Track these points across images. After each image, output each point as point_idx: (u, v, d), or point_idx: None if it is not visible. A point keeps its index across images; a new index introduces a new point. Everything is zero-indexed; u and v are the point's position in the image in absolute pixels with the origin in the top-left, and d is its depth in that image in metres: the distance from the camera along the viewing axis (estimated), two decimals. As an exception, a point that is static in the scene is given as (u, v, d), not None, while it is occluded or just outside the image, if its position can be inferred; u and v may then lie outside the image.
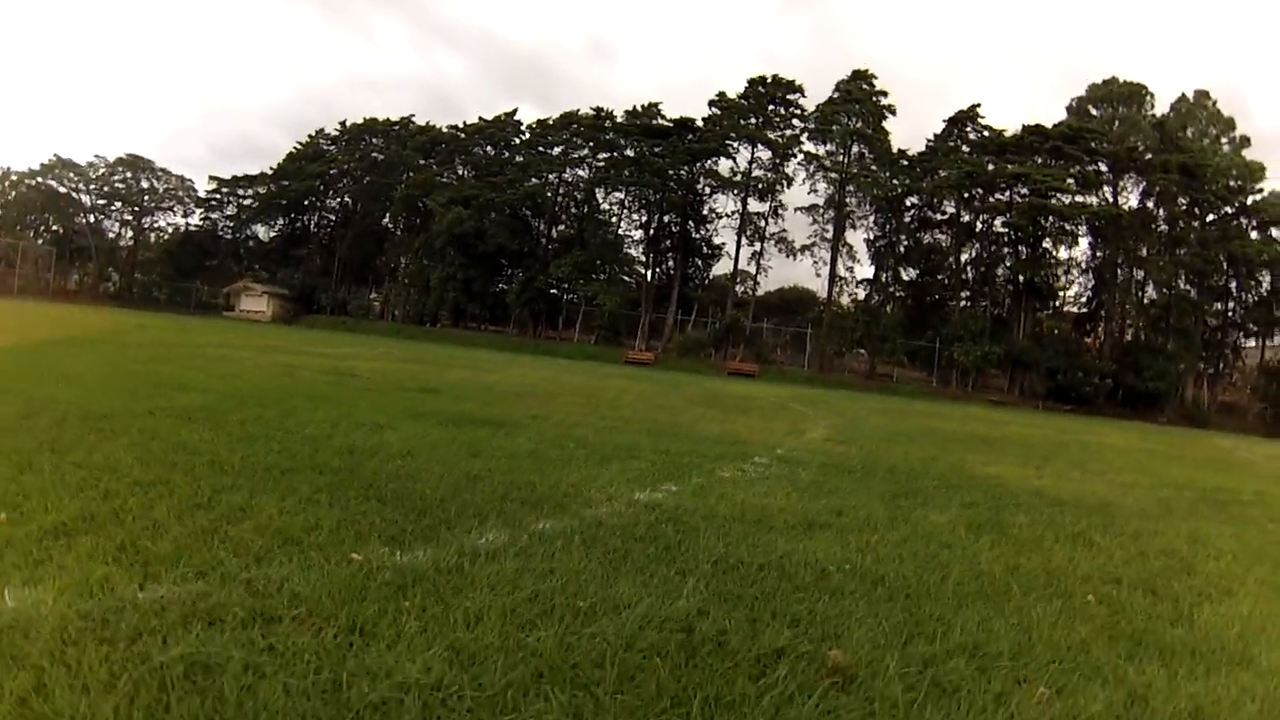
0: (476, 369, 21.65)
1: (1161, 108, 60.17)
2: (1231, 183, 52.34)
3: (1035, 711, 2.50)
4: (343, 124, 72.51)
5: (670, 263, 62.37)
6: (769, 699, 2.39)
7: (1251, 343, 56.00)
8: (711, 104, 59.46)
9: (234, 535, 3.49)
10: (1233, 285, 54.01)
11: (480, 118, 67.22)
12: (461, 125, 68.13)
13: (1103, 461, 12.62)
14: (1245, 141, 58.64)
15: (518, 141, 66.11)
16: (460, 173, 67.52)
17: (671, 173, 57.81)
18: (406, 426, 7.61)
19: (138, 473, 4.52)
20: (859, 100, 55.95)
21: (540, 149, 64.02)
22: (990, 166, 52.16)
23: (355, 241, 69.38)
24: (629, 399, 15.17)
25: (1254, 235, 52.13)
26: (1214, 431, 43.23)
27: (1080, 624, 3.47)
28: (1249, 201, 52.68)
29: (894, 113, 57.15)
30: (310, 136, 74.76)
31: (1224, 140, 59.02)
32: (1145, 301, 55.40)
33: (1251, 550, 5.82)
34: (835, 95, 56.63)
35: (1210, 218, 53.29)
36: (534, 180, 62.36)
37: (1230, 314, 55.03)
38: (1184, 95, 60.58)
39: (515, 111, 66.86)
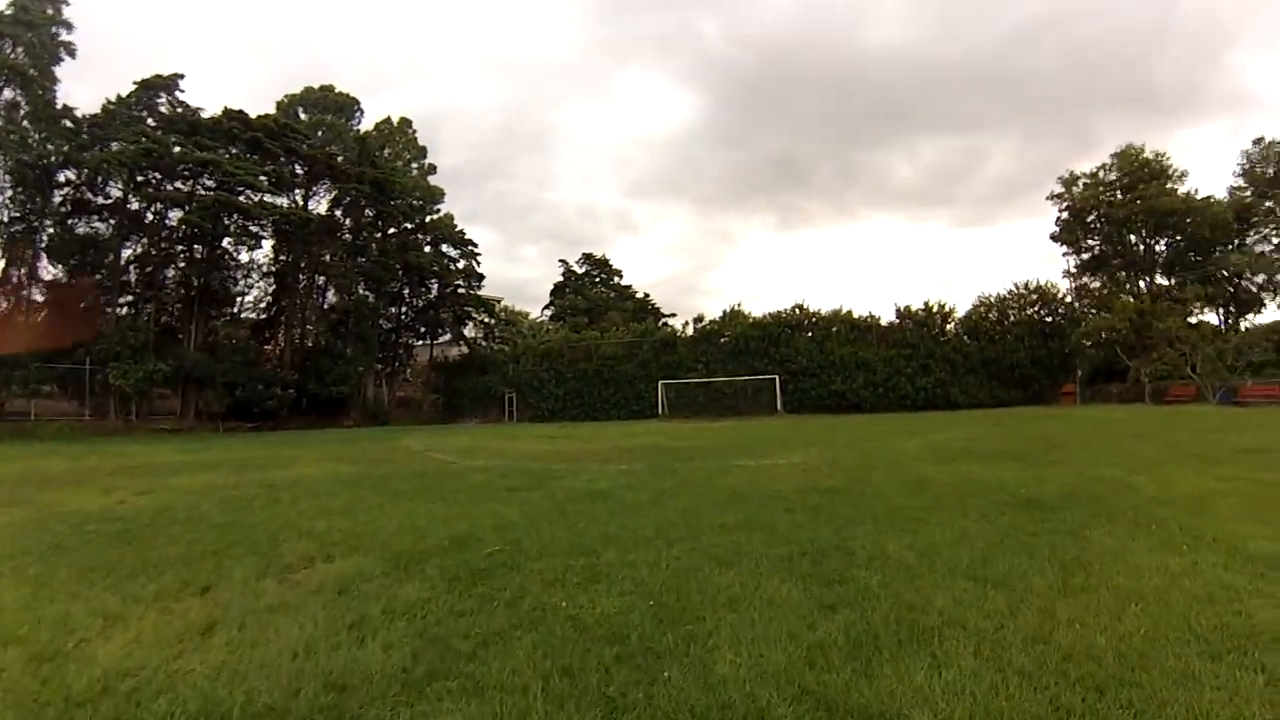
0: None
1: (368, 124, 61.96)
2: (415, 201, 56.60)
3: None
4: None
5: None
6: None
7: (421, 342, 59.95)
8: None
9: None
10: (406, 291, 56.83)
11: None
12: None
13: (311, 533, 7.36)
14: (432, 169, 66.09)
15: None
16: None
17: None
18: None
19: None
20: (36, 25, 38.89)
21: None
22: (177, 148, 42.02)
23: None
24: None
25: (427, 249, 56.69)
26: (395, 427, 42.67)
27: None
28: (427, 220, 57.87)
29: (74, 54, 40.97)
30: None
31: (415, 165, 64.49)
32: (326, 307, 53.52)
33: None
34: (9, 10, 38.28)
35: (392, 230, 55.09)
36: None
37: (404, 317, 57.89)
38: (389, 118, 64.22)
39: None
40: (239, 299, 50.44)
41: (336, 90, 60.75)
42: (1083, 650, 3.67)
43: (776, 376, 46.60)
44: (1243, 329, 49.13)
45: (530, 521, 7.56)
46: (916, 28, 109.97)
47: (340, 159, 52.72)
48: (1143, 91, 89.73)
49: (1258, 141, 53.86)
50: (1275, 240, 51.13)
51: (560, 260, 76.72)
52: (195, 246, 45.36)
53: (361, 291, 52.25)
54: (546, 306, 75.20)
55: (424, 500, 9.39)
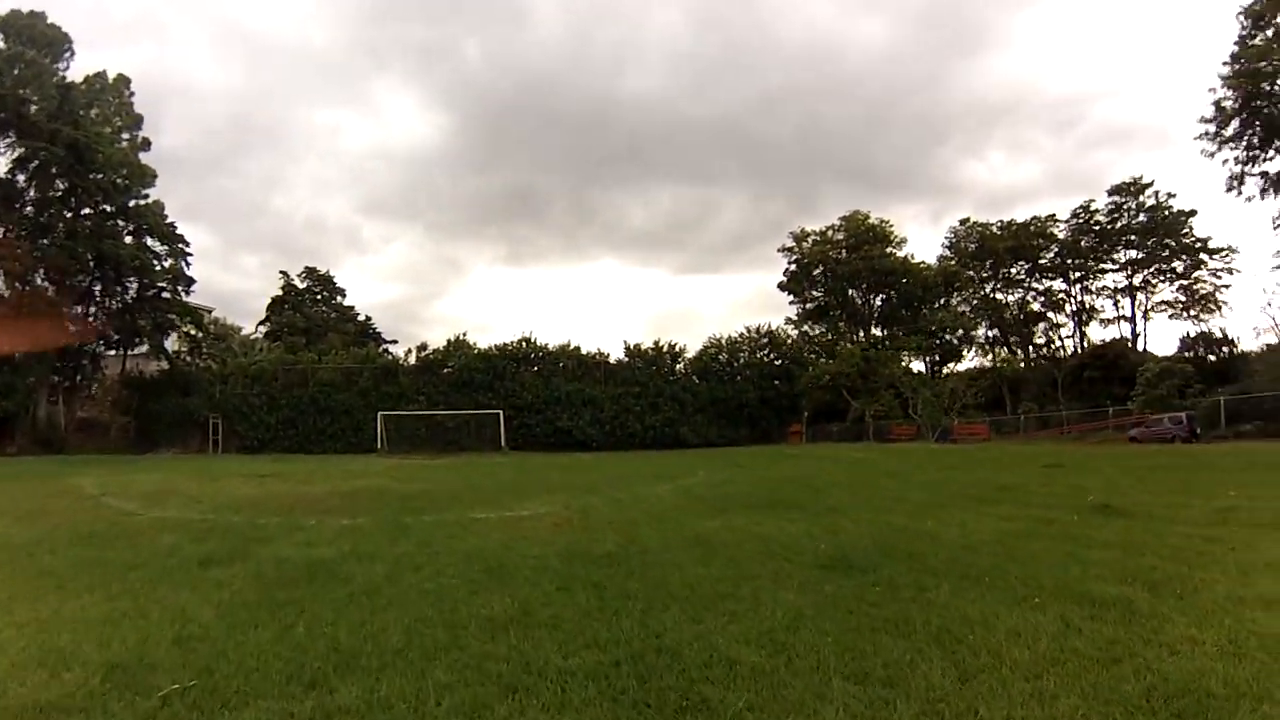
0: None
1: (77, 75, 51.21)
2: (120, 180, 46.71)
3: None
4: None
5: None
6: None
7: (112, 353, 50.47)
8: None
9: None
10: (98, 289, 47.72)
11: None
12: None
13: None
14: (146, 144, 55.31)
15: None
16: None
17: None
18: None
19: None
20: None
21: None
22: None
23: None
24: None
25: (129, 240, 47.49)
26: (72, 457, 35.63)
27: None
28: (132, 205, 48.04)
29: None
30: None
31: (126, 135, 53.86)
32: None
33: None
34: None
35: (87, 211, 45.74)
36: None
37: (92, 319, 48.25)
38: (104, 72, 53.48)
39: None
40: None
41: (50, 21, 50.18)
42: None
43: (501, 411, 45.43)
44: (943, 375, 56.09)
45: (230, 625, 5.10)
46: (672, 83, 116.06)
47: (34, 108, 43.40)
48: (865, 169, 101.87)
49: (964, 221, 63.57)
50: (974, 302, 59.98)
51: (281, 272, 70.31)
52: None
53: (40, 282, 43.37)
54: (262, 322, 68.82)
55: (79, 587, 6.33)
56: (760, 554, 7.55)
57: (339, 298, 71.03)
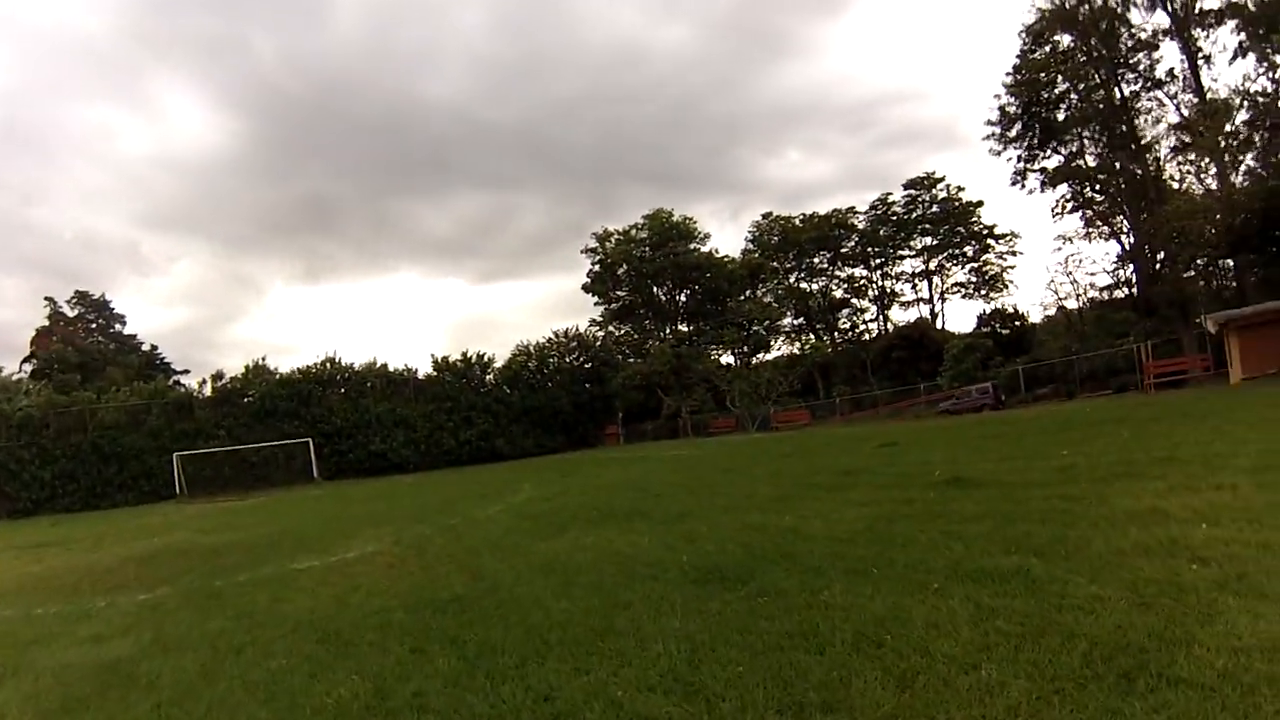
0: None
1: None
2: None
3: None
4: None
5: None
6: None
7: None
8: None
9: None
10: None
11: None
12: None
13: None
14: None
15: None
16: None
17: None
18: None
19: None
20: None
21: None
22: None
23: None
24: None
25: None
26: None
27: None
28: None
29: None
30: None
31: None
32: None
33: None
34: None
35: None
36: None
37: None
38: None
39: None
40: None
41: None
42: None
43: (310, 439, 42.55)
44: (753, 364, 58.56)
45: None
46: (471, 87, 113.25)
47: None
48: (665, 169, 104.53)
49: (766, 215, 66.87)
50: (779, 293, 63.24)
51: (47, 299, 62.32)
52: None
53: None
54: (26, 359, 60.05)
55: None
56: (622, 575, 6.88)
57: (118, 325, 64.21)
